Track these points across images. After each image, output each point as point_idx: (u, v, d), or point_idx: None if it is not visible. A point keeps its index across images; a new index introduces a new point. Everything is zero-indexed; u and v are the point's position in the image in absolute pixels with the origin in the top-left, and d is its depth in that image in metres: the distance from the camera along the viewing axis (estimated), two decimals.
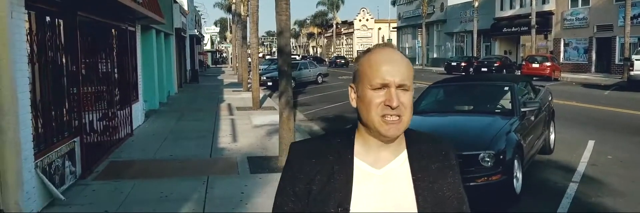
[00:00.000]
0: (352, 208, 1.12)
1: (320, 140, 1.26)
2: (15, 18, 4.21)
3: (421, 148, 1.21)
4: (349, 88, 1.23)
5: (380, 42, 55.49)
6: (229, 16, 50.11)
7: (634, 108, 11.95)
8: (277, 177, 5.45)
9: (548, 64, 23.64)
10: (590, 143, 7.60)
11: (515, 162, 4.87)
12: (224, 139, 8.29)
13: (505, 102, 5.89)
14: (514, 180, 4.89)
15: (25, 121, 4.32)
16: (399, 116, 1.13)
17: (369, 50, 1.21)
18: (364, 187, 1.14)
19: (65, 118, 5.50)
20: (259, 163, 6.38)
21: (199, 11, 40.95)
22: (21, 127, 4.20)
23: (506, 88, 5.99)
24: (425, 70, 35.42)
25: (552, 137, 7.10)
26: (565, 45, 29.39)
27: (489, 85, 6.49)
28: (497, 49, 35.96)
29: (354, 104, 1.20)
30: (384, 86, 1.13)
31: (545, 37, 30.80)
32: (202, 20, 48.77)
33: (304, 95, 17.61)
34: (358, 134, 1.21)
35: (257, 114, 11.62)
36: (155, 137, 8.45)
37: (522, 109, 5.62)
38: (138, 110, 9.83)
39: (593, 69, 27.33)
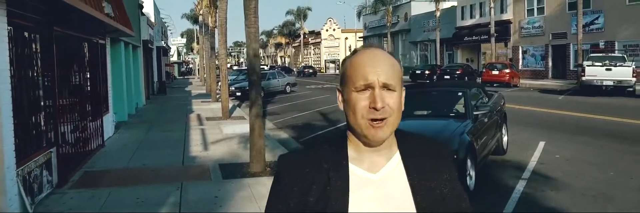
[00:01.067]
0: None
1: (311, 149, 1.22)
2: (1, 35, 4.44)
3: (413, 149, 1.19)
4: (337, 91, 1.20)
5: (347, 52, 56.51)
6: (196, 27, 50.05)
7: (583, 111, 12.79)
8: (249, 181, 5.81)
9: (507, 71, 24.74)
10: (541, 144, 8.21)
11: (468, 161, 5.34)
12: (195, 148, 8.53)
13: (460, 107, 6.40)
14: (467, 178, 5.34)
15: (8, 132, 4.52)
16: (384, 119, 1.09)
17: (355, 51, 1.18)
18: (361, 193, 1.11)
19: (42, 129, 5.68)
20: (230, 170, 6.66)
21: (165, 22, 40.84)
22: (4, 137, 4.40)
23: (460, 94, 6.50)
24: None
25: (505, 138, 7.66)
26: (524, 52, 30.78)
27: (444, 92, 7.02)
28: (460, 57, 37.24)
29: (341, 107, 1.18)
30: (368, 87, 1.09)
31: (505, 45, 32.14)
32: (169, 32, 48.57)
33: (272, 105, 17.92)
34: (350, 139, 1.18)
35: (227, 124, 11.87)
36: (127, 148, 8.61)
37: (474, 113, 6.14)
38: (108, 121, 9.96)
39: (550, 75, 28.69)
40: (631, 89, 16.89)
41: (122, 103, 12.80)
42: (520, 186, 5.77)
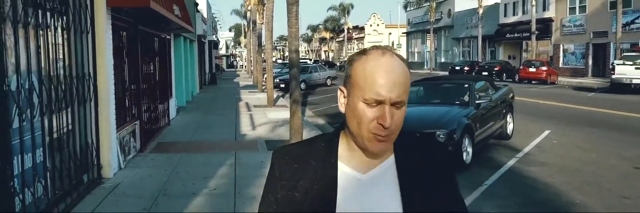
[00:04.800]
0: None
1: (303, 145, 1.22)
2: (107, 32, 6.04)
3: (410, 153, 1.16)
4: (339, 91, 1.15)
5: (391, 46, 56.97)
6: (244, 22, 52.12)
7: (605, 107, 13.53)
8: None
9: (544, 68, 25.16)
10: (546, 132, 9.26)
11: (465, 139, 6.57)
12: (245, 128, 10.09)
13: (466, 96, 7.61)
14: (464, 153, 6.58)
15: (111, 106, 6.13)
16: (389, 134, 1.07)
17: (364, 52, 1.11)
18: (348, 192, 1.10)
19: (130, 106, 7.33)
20: (273, 144, 8.14)
21: (215, 17, 43.09)
22: (109, 110, 6.02)
23: (466, 85, 7.71)
24: (432, 75, 36.98)
25: (511, 126, 8.78)
26: (564, 50, 30.85)
27: (453, 83, 8.25)
28: (502, 54, 37.44)
29: (342, 109, 1.13)
30: (378, 103, 1.05)
31: (550, 43, 32.24)
32: (218, 26, 51.00)
33: (313, 96, 19.39)
34: (343, 138, 1.16)
35: (271, 110, 13.42)
36: (188, 127, 10.28)
37: (477, 101, 7.33)
38: (172, 105, 11.69)
39: (590, 73, 28.74)
40: None
41: (181, 91, 14.59)
42: (511, 162, 6.95)
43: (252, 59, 33.86)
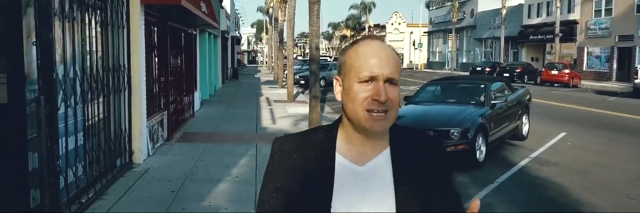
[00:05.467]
0: (333, 205, 1.10)
1: (302, 136, 1.24)
2: (141, 27, 6.41)
3: (405, 145, 1.17)
4: (334, 81, 1.20)
5: (411, 46, 56.26)
6: (266, 18, 52.59)
7: (624, 112, 13.49)
8: None
9: (567, 71, 24.94)
10: (561, 135, 9.37)
11: (479, 137, 6.77)
12: (265, 122, 10.43)
13: (481, 96, 7.79)
14: (478, 152, 6.78)
15: (142, 96, 6.50)
16: (385, 111, 1.09)
17: (356, 42, 1.17)
18: (345, 184, 1.11)
19: (159, 97, 7.71)
20: None
21: (238, 14, 43.63)
22: (141, 100, 6.39)
23: (482, 86, 7.89)
24: (452, 75, 36.88)
25: (526, 127, 8.92)
26: (588, 53, 30.49)
27: (470, 84, 8.44)
28: (524, 56, 37.12)
29: (338, 97, 1.17)
30: (372, 79, 1.08)
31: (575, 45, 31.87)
32: (241, 22, 51.58)
33: (332, 93, 19.63)
34: (341, 129, 1.18)
35: (291, 106, 13.75)
36: (212, 119, 10.67)
37: (492, 102, 7.52)
38: (197, 97, 12.11)
39: (614, 77, 28.37)
40: None
41: (205, 84, 15.02)
42: (524, 162, 7.12)
43: (273, 55, 34.28)
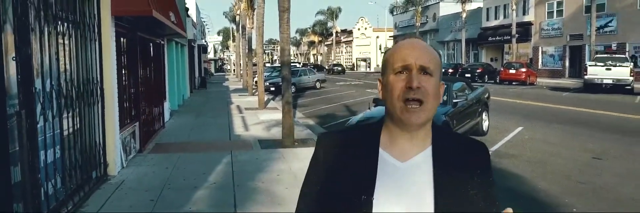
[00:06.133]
0: (375, 198, 1.12)
1: (347, 132, 1.29)
2: (112, 39, 6.51)
3: (447, 145, 1.19)
4: (378, 81, 1.24)
5: (378, 50, 57.29)
6: (233, 26, 52.55)
7: (576, 106, 14.28)
8: (281, 150, 7.95)
9: (523, 70, 26.02)
10: (519, 129, 9.91)
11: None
12: (238, 129, 10.58)
13: (444, 96, 8.19)
14: None
15: (115, 108, 6.58)
16: (420, 102, 1.11)
17: (396, 42, 1.26)
18: (387, 178, 1.14)
19: (130, 108, 7.79)
20: (267, 143, 8.64)
21: (204, 22, 43.46)
22: (114, 112, 6.47)
23: (444, 86, 8.29)
24: None
25: (486, 123, 9.39)
26: (543, 52, 31.82)
27: None
28: (484, 57, 38.38)
29: (381, 95, 1.20)
30: (405, 69, 1.13)
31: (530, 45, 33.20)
32: (207, 30, 51.35)
33: (303, 98, 19.91)
34: (385, 127, 1.22)
35: (262, 113, 13.91)
36: (183, 129, 10.73)
37: (454, 100, 7.93)
38: (166, 108, 12.13)
39: (567, 74, 29.70)
40: (629, 87, 18.23)
41: (174, 94, 15.01)
42: None
43: (241, 62, 34.28)
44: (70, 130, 5.07)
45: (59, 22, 4.76)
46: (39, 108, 4.13)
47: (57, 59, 4.69)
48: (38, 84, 4.17)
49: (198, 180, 5.97)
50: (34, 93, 3.88)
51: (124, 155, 6.94)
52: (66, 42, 5.00)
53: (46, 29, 4.37)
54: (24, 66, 3.66)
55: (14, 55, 3.59)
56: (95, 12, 5.94)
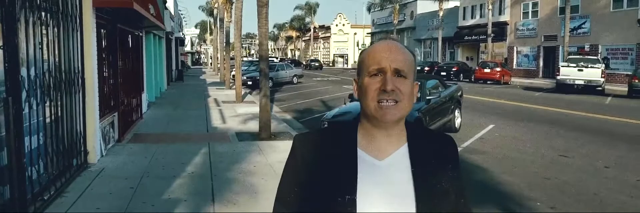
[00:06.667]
0: (358, 197, 1.14)
1: (324, 132, 1.30)
2: (93, 30, 6.57)
3: (421, 142, 1.23)
4: (353, 81, 1.26)
5: (355, 47, 57.57)
6: (210, 19, 52.14)
7: (547, 105, 14.82)
8: (258, 143, 8.19)
9: (498, 69, 26.68)
10: (490, 127, 10.30)
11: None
12: (216, 122, 10.70)
13: (418, 93, 8.50)
14: None
15: (95, 98, 6.66)
16: (395, 101, 1.14)
17: (371, 43, 1.29)
18: (367, 177, 1.16)
19: (110, 98, 7.85)
20: (243, 136, 8.81)
21: (181, 14, 43.01)
22: (94, 101, 6.55)
23: (417, 83, 8.60)
24: None
25: (459, 120, 9.75)
26: (518, 52, 32.64)
27: None
28: (460, 55, 39.09)
29: (356, 95, 1.24)
30: (380, 71, 1.15)
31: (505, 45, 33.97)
32: (184, 23, 50.82)
33: (280, 93, 20.06)
34: (361, 126, 1.23)
35: (240, 106, 14.03)
36: (161, 120, 10.80)
37: (427, 97, 8.24)
38: (144, 99, 12.15)
39: (540, 74, 30.56)
40: (600, 88, 18.92)
41: (151, 86, 14.99)
42: None
43: (219, 56, 34.16)
44: (53, 117, 5.16)
45: (43, 12, 4.84)
46: (24, 95, 4.23)
47: (41, 49, 4.78)
48: (23, 72, 4.26)
49: (176, 170, 6.12)
50: (20, 81, 3.98)
51: (103, 144, 7.02)
52: (49, 32, 5.07)
53: (31, 19, 4.46)
54: (11, 55, 3.76)
55: (1, 44, 3.69)
56: (77, 3, 6.00)
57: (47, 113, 4.99)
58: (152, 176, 5.83)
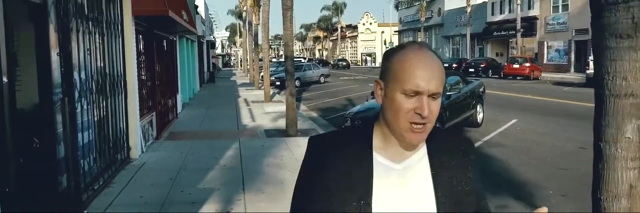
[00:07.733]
0: (374, 202, 1.11)
1: (338, 134, 1.27)
2: (133, 36, 7.17)
3: (440, 144, 1.20)
4: (375, 83, 1.19)
5: (383, 45, 57.33)
6: (240, 22, 53.18)
7: (572, 100, 14.78)
8: (285, 139, 8.70)
9: (527, 64, 26.43)
10: (512, 121, 10.48)
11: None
12: (245, 120, 11.25)
13: None
14: None
15: (136, 98, 7.26)
16: (424, 124, 1.11)
17: (402, 46, 1.16)
18: (383, 181, 1.13)
19: (148, 99, 8.47)
20: (271, 133, 9.31)
21: (212, 18, 44.13)
22: (135, 102, 7.15)
23: None
24: None
25: (480, 115, 9.98)
26: (548, 47, 32.18)
27: None
28: (489, 51, 38.73)
29: (379, 100, 1.17)
30: (417, 93, 1.09)
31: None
32: (214, 26, 52.04)
33: (307, 92, 20.56)
34: (377, 128, 1.19)
35: (268, 105, 14.58)
36: (195, 119, 11.43)
37: (447, 93, 8.53)
38: (179, 100, 12.84)
39: (572, 69, 30.06)
40: None
41: (185, 88, 15.72)
42: (475, 145, 8.14)
43: (248, 57, 34.96)
44: (100, 116, 5.74)
45: (90, 22, 5.42)
46: (76, 96, 4.80)
47: (90, 54, 5.35)
48: (74, 75, 4.84)
49: (210, 163, 6.64)
50: (73, 83, 4.55)
51: (143, 141, 7.62)
52: (95, 39, 5.66)
53: (81, 28, 5.03)
54: (66, 60, 4.32)
55: (58, 51, 4.25)
56: (119, 12, 6.59)
57: (95, 113, 5.58)
58: (188, 169, 6.36)
